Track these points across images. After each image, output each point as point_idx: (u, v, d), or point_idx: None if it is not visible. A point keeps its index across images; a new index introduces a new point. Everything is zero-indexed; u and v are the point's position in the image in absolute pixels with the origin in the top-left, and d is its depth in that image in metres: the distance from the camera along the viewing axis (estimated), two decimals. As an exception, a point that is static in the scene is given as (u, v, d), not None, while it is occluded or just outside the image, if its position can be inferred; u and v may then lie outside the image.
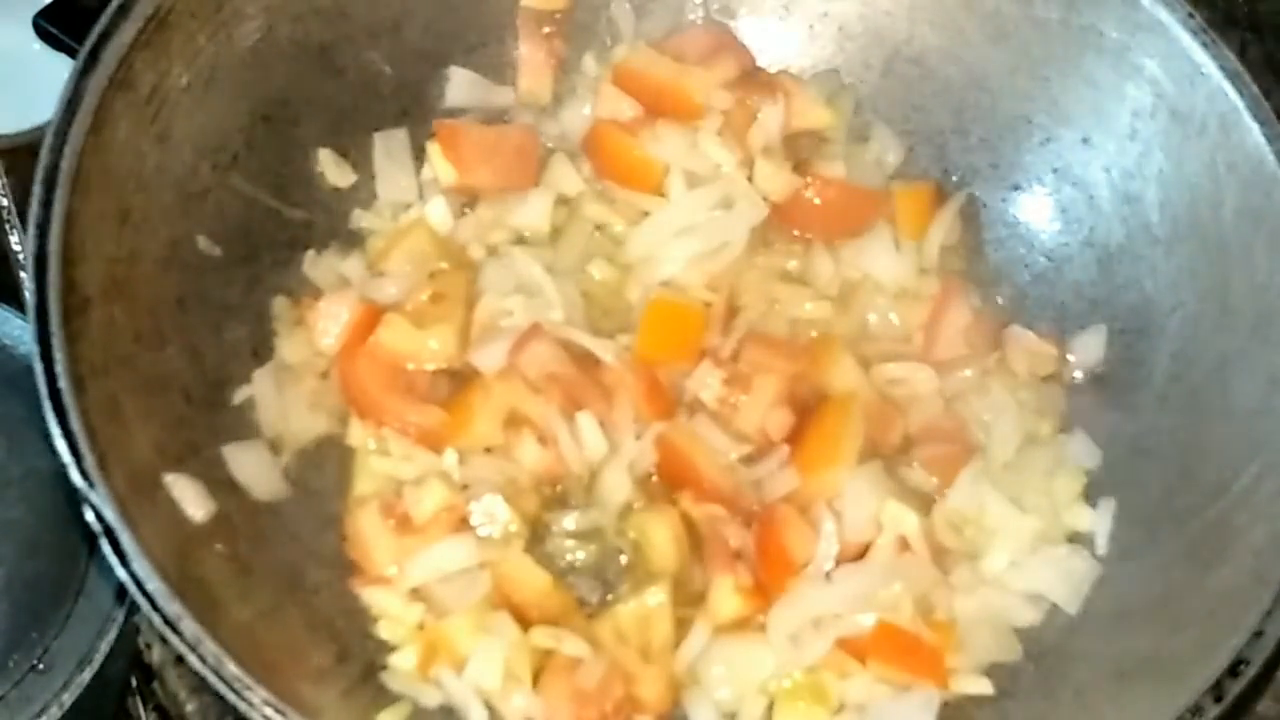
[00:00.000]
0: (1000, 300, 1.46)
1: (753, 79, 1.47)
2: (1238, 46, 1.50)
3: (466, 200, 1.44)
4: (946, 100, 1.50)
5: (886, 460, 1.33)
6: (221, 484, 1.21)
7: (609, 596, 1.26)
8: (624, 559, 1.28)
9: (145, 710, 1.40)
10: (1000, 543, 1.31)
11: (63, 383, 1.07)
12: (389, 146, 1.43)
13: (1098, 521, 1.32)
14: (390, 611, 1.24)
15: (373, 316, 1.33)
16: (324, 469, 1.31)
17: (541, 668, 1.21)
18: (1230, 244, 1.32)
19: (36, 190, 1.12)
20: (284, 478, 1.28)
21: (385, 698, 1.20)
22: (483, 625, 1.22)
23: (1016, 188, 1.48)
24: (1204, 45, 1.33)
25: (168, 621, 1.04)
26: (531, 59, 1.50)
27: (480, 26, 1.48)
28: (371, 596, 1.24)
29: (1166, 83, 1.36)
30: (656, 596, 1.23)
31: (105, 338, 1.14)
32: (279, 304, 1.34)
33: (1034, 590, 1.30)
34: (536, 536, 1.27)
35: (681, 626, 1.24)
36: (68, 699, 1.23)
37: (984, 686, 1.26)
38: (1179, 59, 1.35)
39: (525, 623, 1.22)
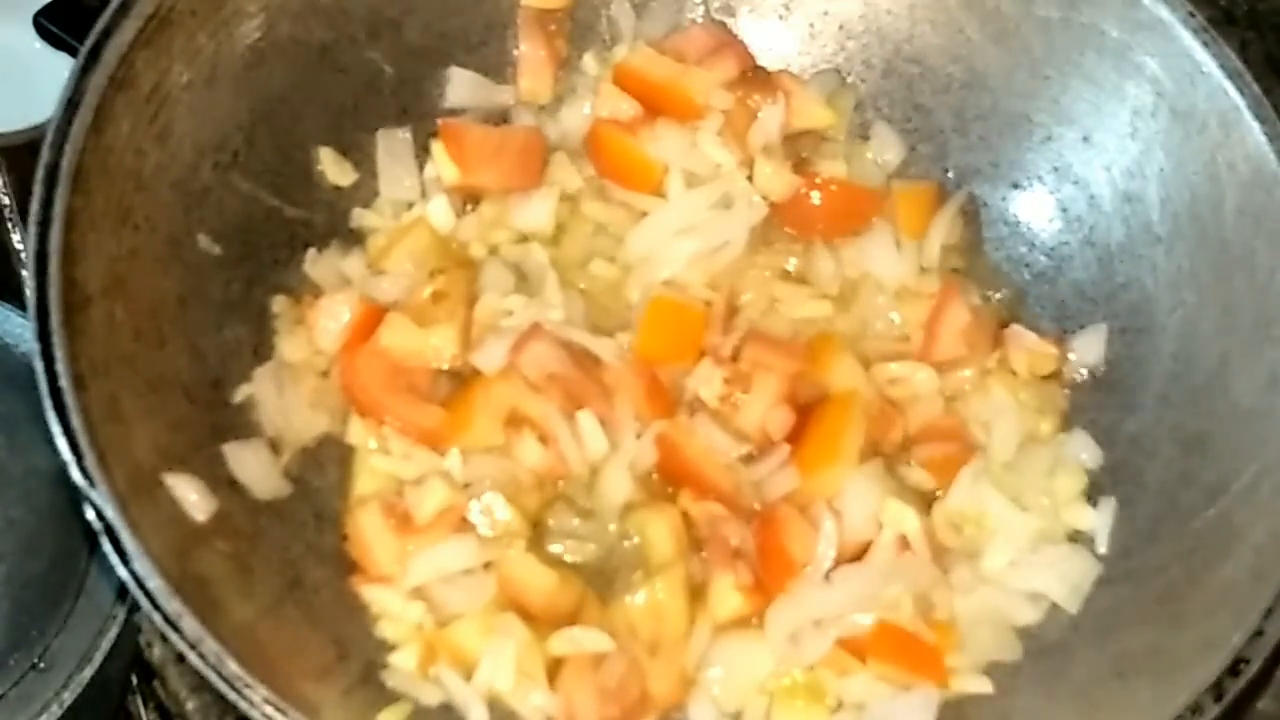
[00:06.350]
0: (1000, 299, 1.46)
1: (753, 78, 1.47)
2: (1238, 45, 1.49)
3: (469, 199, 1.44)
4: (947, 99, 1.49)
5: (886, 459, 1.33)
6: (222, 482, 1.21)
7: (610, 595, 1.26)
8: (625, 558, 1.28)
9: (146, 709, 1.40)
10: (1001, 542, 1.31)
11: (63, 381, 1.07)
12: (391, 145, 1.42)
13: (1098, 521, 1.32)
14: (391, 610, 1.24)
15: (373, 315, 1.33)
16: (325, 468, 1.31)
17: (558, 665, 1.21)
18: (1231, 243, 1.32)
19: (37, 188, 1.12)
20: (284, 476, 1.28)
21: (386, 696, 1.20)
22: (490, 627, 1.22)
23: (1017, 186, 1.48)
24: (1205, 44, 1.34)
25: (168, 620, 1.04)
26: (532, 58, 1.49)
27: (481, 25, 1.48)
28: (372, 595, 1.24)
29: (1167, 81, 1.36)
30: (668, 589, 1.23)
31: (106, 336, 1.14)
32: (279, 302, 1.34)
33: (1034, 589, 1.30)
34: (537, 535, 1.27)
35: (691, 620, 1.24)
36: (68, 697, 1.24)
37: (984, 685, 1.26)
38: (1180, 58, 1.35)
39: (534, 623, 1.22)
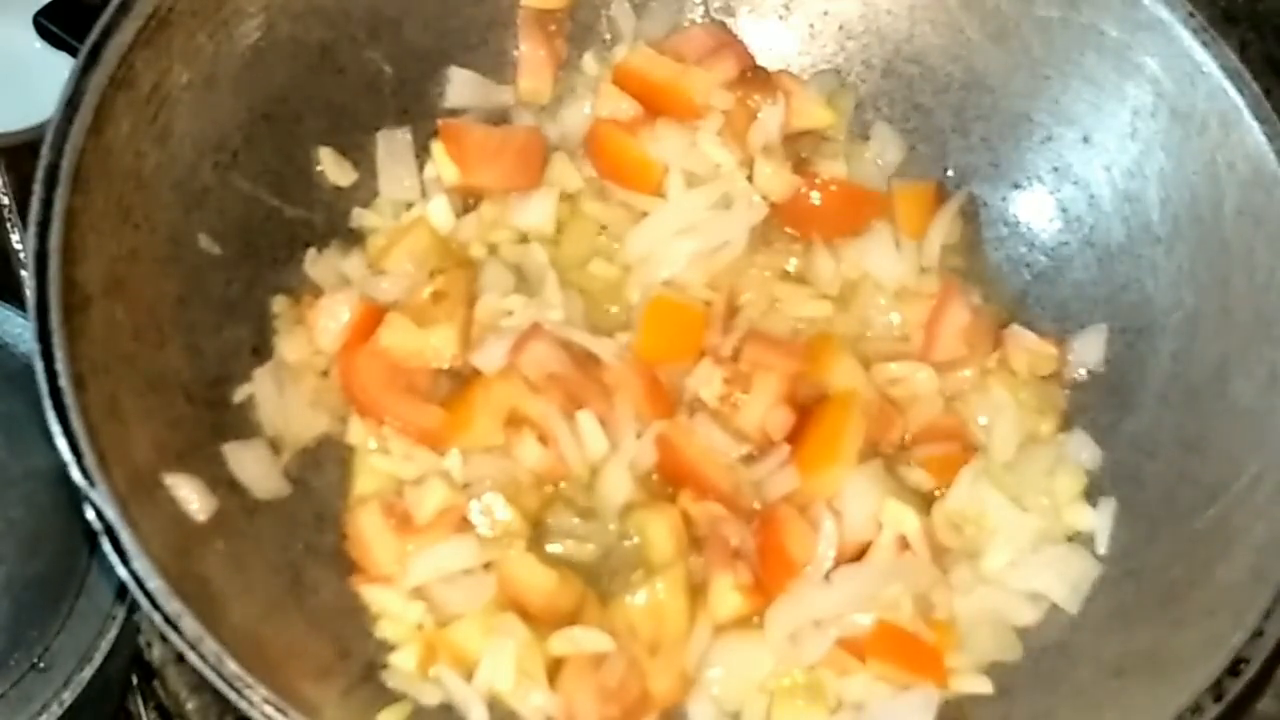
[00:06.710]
0: (1000, 299, 1.46)
1: (753, 79, 1.47)
2: (1238, 45, 1.50)
3: (469, 199, 1.44)
4: (947, 99, 1.50)
5: (886, 460, 1.33)
6: (222, 482, 1.21)
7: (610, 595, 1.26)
8: (625, 558, 1.28)
9: (146, 708, 1.40)
10: (1000, 542, 1.31)
11: (63, 381, 1.07)
12: (391, 145, 1.42)
13: (1098, 521, 1.32)
14: (390, 610, 1.24)
15: (373, 315, 1.33)
16: (324, 468, 1.31)
17: (559, 665, 1.21)
18: (1231, 243, 1.32)
19: (37, 188, 1.12)
20: (284, 476, 1.28)
21: (386, 696, 1.20)
22: (490, 627, 1.22)
23: (1017, 186, 1.48)
24: (1204, 44, 1.34)
25: (168, 620, 1.04)
26: (532, 58, 1.50)
27: (481, 25, 1.48)
28: (372, 595, 1.24)
29: (1167, 81, 1.36)
30: (668, 588, 1.23)
31: (106, 336, 1.14)
32: (279, 302, 1.34)
33: (1034, 589, 1.30)
34: (537, 535, 1.27)
35: (691, 619, 1.24)
36: (68, 697, 1.24)
37: (984, 685, 1.26)
38: (1180, 58, 1.35)
39: (534, 623, 1.22)
